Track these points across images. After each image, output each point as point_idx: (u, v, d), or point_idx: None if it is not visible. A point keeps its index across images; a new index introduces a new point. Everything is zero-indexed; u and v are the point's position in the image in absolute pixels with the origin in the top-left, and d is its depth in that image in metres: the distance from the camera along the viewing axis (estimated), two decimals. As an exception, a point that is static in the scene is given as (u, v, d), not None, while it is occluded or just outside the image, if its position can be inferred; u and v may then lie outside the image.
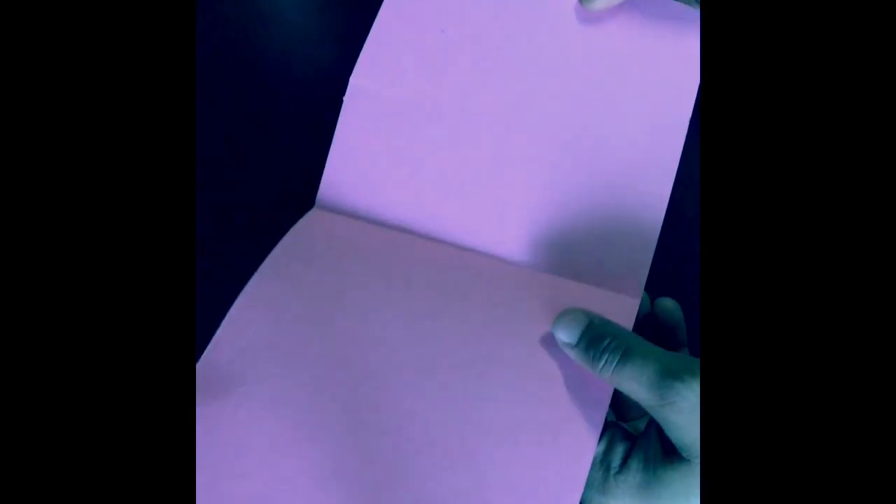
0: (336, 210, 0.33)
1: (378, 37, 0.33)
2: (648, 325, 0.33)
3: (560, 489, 0.25)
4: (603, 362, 0.26)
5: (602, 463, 0.27)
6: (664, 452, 0.26)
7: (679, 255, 0.37)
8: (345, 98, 0.33)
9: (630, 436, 0.28)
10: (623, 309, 0.30)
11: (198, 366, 0.28)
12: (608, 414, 0.28)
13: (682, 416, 0.24)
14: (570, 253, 0.32)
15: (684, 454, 0.25)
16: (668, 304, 0.32)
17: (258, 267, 0.31)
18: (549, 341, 0.28)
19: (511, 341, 0.28)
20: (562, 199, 0.33)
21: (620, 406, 0.33)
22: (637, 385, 0.25)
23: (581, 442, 0.26)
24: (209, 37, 0.48)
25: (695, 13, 0.33)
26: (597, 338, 0.27)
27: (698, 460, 0.25)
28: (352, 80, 0.33)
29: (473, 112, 0.33)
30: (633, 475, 0.26)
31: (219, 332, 0.29)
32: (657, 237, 0.32)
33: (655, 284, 0.33)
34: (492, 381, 0.28)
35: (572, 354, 0.27)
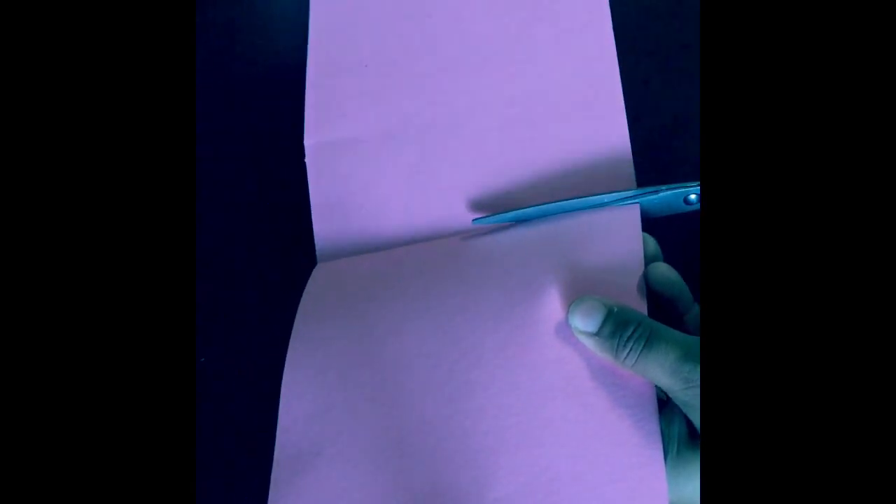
0: (337, 256, 0.36)
1: (313, 94, 0.37)
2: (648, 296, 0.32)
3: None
4: (628, 350, 0.26)
5: None
6: (689, 434, 0.26)
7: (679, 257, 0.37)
8: (305, 160, 0.36)
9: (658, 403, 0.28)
10: (627, 218, 0.31)
11: (275, 454, 0.29)
12: None
13: None
14: (560, 185, 0.34)
15: None
16: (661, 268, 0.30)
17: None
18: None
19: (537, 315, 0.29)
20: (530, 146, 0.34)
21: None
22: (661, 371, 0.25)
23: (647, 447, 0.25)
24: (209, 37, 0.48)
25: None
26: (621, 325, 0.26)
27: None
28: (305, 142, 0.36)
29: (418, 116, 0.36)
30: None
31: (280, 415, 0.30)
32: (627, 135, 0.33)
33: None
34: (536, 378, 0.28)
35: (591, 343, 0.27)
